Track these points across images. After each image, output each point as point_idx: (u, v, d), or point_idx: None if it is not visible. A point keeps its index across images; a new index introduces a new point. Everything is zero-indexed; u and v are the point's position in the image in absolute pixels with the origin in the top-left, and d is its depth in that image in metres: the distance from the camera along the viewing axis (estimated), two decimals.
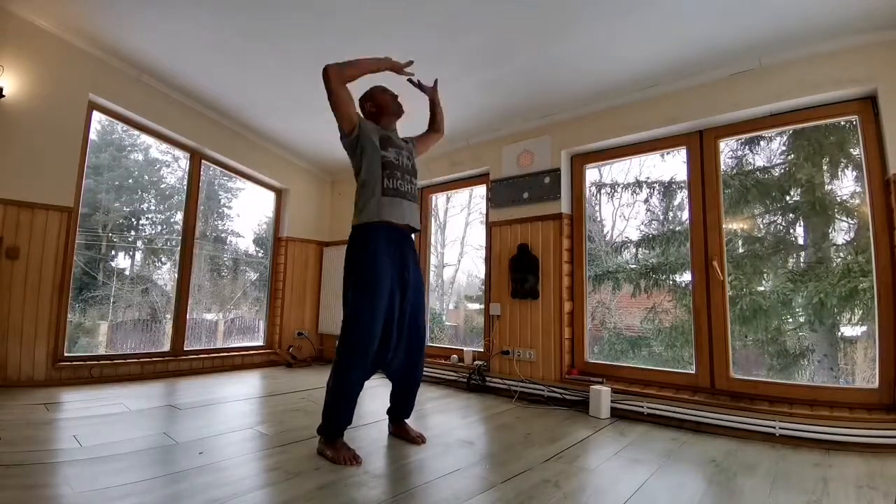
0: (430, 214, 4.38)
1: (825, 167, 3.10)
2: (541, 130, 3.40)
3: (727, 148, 3.18)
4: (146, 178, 6.23)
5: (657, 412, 2.55)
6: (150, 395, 2.93)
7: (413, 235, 2.14)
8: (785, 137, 3.23)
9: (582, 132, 3.19)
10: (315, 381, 3.59)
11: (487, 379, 3.37)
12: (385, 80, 2.17)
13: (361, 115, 2.09)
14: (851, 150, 2.85)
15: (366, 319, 1.88)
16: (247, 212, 6.52)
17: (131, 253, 5.82)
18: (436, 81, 2.33)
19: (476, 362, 3.50)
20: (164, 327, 4.68)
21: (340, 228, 4.79)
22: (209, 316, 5.09)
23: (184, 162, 4.20)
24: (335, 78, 1.89)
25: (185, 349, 3.85)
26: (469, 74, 3.02)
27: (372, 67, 1.99)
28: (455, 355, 3.69)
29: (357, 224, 1.99)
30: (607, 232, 4.43)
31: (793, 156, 3.26)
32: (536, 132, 3.42)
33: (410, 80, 2.22)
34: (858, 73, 2.25)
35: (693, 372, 2.67)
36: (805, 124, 2.59)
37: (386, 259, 1.95)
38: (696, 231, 2.75)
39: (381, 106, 2.14)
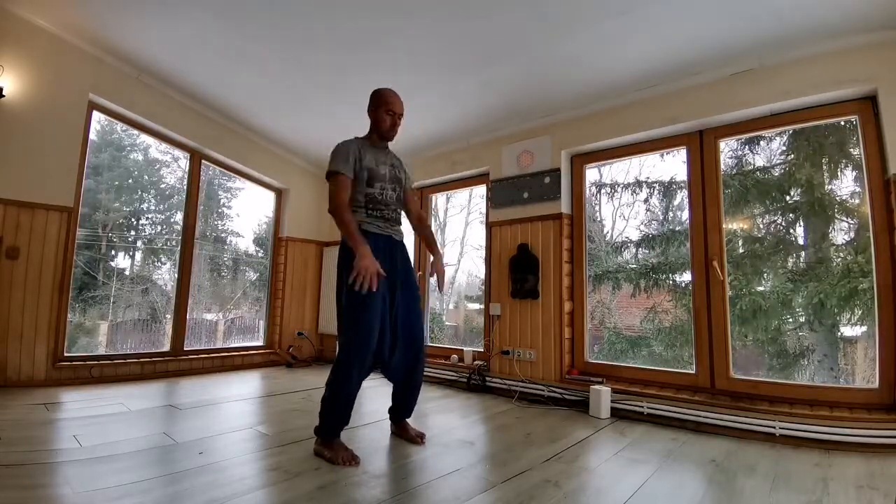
0: (431, 214, 4.37)
1: (825, 167, 3.10)
2: (541, 130, 3.40)
3: (727, 148, 3.18)
4: (146, 178, 6.23)
5: (657, 412, 2.55)
6: (150, 395, 2.93)
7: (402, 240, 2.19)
8: (785, 137, 3.23)
9: (582, 132, 3.19)
10: (315, 381, 3.59)
11: (487, 379, 3.37)
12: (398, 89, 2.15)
13: (351, 162, 2.00)
14: (851, 150, 2.85)
15: (363, 316, 1.89)
16: (247, 212, 6.52)
17: (131, 253, 5.83)
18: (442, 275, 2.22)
19: (476, 362, 3.50)
20: (164, 327, 4.69)
21: None
22: (209, 316, 5.08)
23: (184, 162, 4.20)
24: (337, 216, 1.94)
25: (185, 349, 3.85)
26: (469, 74, 3.02)
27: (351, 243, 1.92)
28: (455, 355, 3.69)
29: None
30: (607, 232, 4.43)
31: (793, 156, 3.26)
32: (536, 132, 3.42)
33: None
34: (858, 73, 2.24)
35: (693, 372, 2.67)
36: (805, 124, 2.58)
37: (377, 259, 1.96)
38: (696, 231, 2.75)
39: (376, 123, 2.10)
